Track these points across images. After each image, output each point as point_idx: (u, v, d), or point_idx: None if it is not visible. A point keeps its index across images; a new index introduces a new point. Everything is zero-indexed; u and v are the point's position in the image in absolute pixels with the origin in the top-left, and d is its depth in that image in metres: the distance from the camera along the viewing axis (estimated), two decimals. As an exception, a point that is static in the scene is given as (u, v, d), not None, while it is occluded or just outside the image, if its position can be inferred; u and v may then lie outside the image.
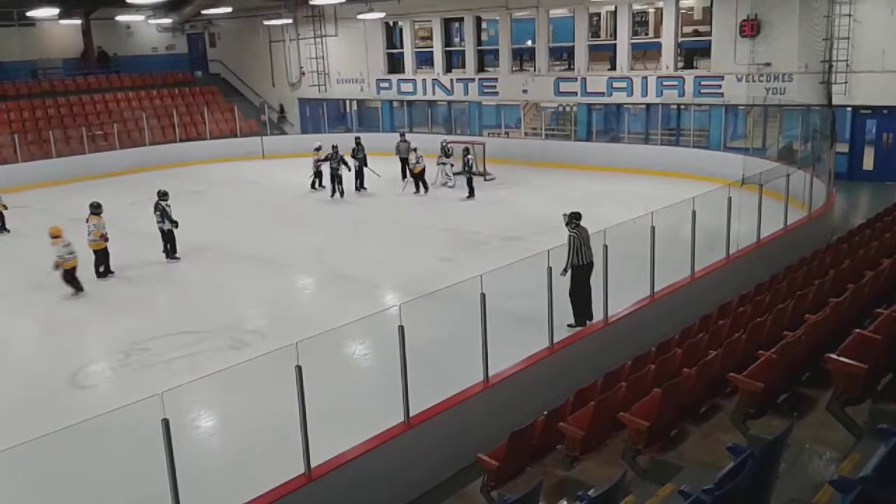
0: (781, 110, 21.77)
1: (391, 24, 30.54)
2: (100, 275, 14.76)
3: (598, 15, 28.33)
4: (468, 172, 21.03)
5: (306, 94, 33.12)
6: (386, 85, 30.86)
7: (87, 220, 14.73)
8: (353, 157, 22.18)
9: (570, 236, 10.61)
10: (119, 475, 7.92)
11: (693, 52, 24.80)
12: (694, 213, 10.97)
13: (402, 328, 7.29)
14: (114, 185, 24.28)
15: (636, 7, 25.18)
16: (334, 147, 21.75)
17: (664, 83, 24.02)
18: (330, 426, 7.81)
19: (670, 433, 6.48)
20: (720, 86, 22.78)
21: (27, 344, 12.61)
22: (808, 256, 10.87)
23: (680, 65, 24.13)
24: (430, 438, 7.86)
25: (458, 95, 29.14)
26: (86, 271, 14.48)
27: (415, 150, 22.03)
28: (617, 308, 10.26)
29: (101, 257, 14.78)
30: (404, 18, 29.60)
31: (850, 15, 19.91)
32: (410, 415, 7.67)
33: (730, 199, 11.83)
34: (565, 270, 10.33)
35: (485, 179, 22.96)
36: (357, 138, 23.05)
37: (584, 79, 25.64)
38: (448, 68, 29.48)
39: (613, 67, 25.37)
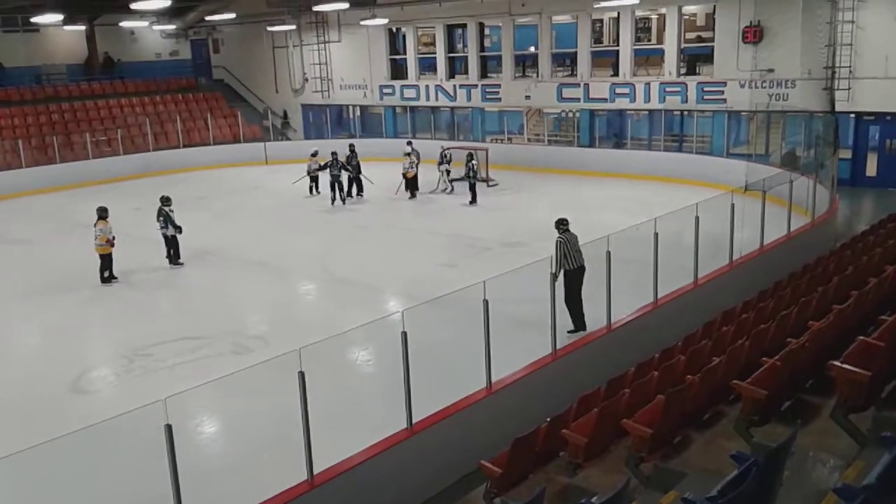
0: (784, 116, 21.78)
1: (394, 30, 30.60)
2: (104, 280, 14.81)
3: (601, 21, 28.35)
4: (472, 178, 21.07)
5: (309, 99, 33.19)
6: (389, 91, 30.89)
7: (95, 225, 14.83)
8: (348, 163, 22.06)
9: (557, 241, 10.66)
10: (122, 481, 7.91)
11: (696, 59, 24.80)
12: (697, 219, 10.95)
13: (405, 334, 7.28)
14: (117, 191, 24.33)
15: (639, 13, 25.17)
16: (333, 154, 21.76)
17: (667, 89, 24.02)
18: (333, 432, 7.79)
19: (674, 440, 6.48)
20: (723, 92, 22.76)
21: (31, 349, 12.61)
22: (811, 263, 10.86)
23: (683, 71, 24.11)
24: (432, 445, 7.85)
25: (461, 101, 29.16)
26: (92, 277, 14.60)
27: (408, 154, 22.08)
28: (620, 314, 10.25)
29: (107, 262, 14.85)
30: (407, 25, 29.63)
31: (853, 21, 19.91)
32: (413, 421, 7.65)
33: (733, 205, 11.81)
34: (555, 275, 10.33)
35: (488, 185, 22.99)
36: (351, 146, 22.99)
37: (587, 85, 25.63)
38: (451, 74, 29.50)
39: (616, 73, 25.34)
